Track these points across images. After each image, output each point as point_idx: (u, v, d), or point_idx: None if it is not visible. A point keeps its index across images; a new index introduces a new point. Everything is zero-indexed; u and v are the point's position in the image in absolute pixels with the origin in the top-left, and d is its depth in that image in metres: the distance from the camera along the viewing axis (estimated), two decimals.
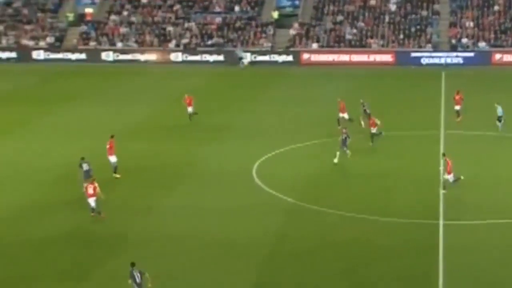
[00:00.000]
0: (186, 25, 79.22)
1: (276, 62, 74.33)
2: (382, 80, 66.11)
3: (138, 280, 27.35)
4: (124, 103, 57.70)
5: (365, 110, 48.99)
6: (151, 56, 75.88)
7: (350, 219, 34.50)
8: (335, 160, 41.68)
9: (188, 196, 37.58)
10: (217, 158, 43.28)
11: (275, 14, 79.43)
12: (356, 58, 73.82)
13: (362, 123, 48.33)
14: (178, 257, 30.80)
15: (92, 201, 34.76)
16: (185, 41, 77.43)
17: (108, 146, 40.39)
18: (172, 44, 77.30)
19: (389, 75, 68.27)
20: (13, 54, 77.22)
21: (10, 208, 36.17)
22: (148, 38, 77.88)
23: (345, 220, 34.40)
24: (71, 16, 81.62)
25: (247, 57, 74.57)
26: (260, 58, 74.70)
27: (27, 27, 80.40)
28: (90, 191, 34.77)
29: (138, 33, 78.76)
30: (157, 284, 27.19)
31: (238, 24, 78.65)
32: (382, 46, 74.90)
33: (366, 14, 77.94)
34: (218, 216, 35.02)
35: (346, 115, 49.08)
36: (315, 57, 74.33)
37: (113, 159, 40.30)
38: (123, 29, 79.30)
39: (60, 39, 79.40)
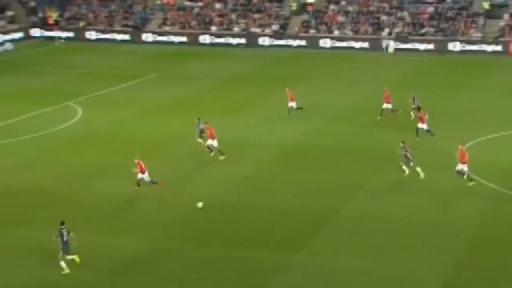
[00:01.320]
0: (399, 14, 78.55)
1: (484, 51, 72.17)
2: None
3: (65, 238, 27.86)
4: (342, 87, 58.52)
5: (415, 102, 46.72)
6: (365, 44, 75.92)
7: None
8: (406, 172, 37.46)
9: (396, 178, 37.61)
10: (427, 142, 42.89)
11: (486, 4, 76.91)
12: None
13: (412, 115, 46.35)
14: (388, 235, 31.07)
15: None
16: (397, 30, 76.82)
17: (209, 131, 40.53)
18: (384, 33, 76.95)
19: None
20: (242, 40, 79.85)
21: (235, 180, 37.85)
22: (362, 27, 77.98)
23: None
24: (294, 6, 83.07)
25: (392, 44, 73.46)
26: (469, 47, 72.78)
27: (256, 15, 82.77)
28: None
29: (354, 22, 79.04)
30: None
31: (449, 14, 76.99)
32: None
33: None
34: (424, 197, 34.92)
35: (390, 106, 47.28)
36: None
37: (214, 142, 40.25)
38: (340, 18, 79.85)
39: (284, 27, 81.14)
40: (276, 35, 79.78)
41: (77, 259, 28.28)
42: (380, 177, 37.55)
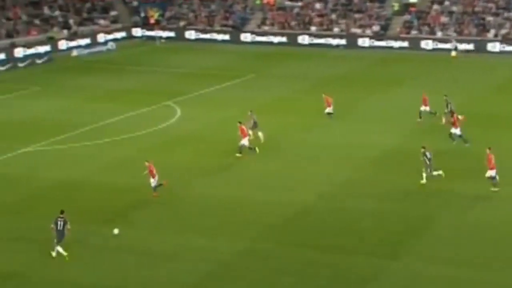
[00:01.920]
0: (506, 15, 76.51)
1: None
2: None
3: (59, 227, 29.04)
4: (444, 89, 57.34)
5: (448, 106, 45.44)
6: (469, 46, 74.23)
7: None
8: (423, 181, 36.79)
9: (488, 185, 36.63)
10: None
11: None
12: None
13: (443, 119, 44.98)
14: (487, 245, 30.33)
15: None
16: (504, 31, 74.84)
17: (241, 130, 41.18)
18: (490, 34, 75.09)
19: None
20: (342, 41, 79.39)
21: (333, 184, 37.65)
22: (466, 28, 76.29)
23: None
24: (396, 6, 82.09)
25: (458, 47, 71.96)
26: None
27: (357, 15, 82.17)
28: None
29: (457, 23, 77.45)
30: None
31: None
32: None
33: None
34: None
35: (428, 108, 46.47)
36: None
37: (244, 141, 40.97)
38: (443, 19, 78.39)
39: (384, 28, 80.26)
40: (376, 36, 79.00)
41: (66, 256, 29.15)
42: (476, 183, 36.60)
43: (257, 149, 41.96)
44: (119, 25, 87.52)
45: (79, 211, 34.00)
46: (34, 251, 30.27)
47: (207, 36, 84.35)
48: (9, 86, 61.95)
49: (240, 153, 41.47)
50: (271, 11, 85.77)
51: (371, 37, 78.62)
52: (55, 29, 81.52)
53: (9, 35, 76.94)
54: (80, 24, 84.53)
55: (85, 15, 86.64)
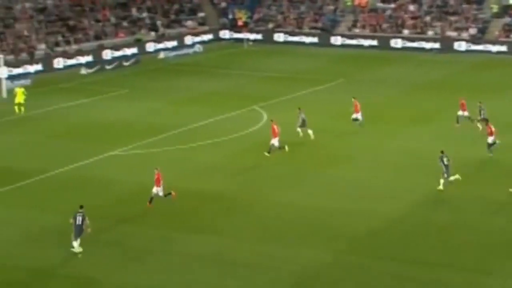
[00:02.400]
0: None
1: None
2: None
3: (78, 222, 30.12)
4: None
5: (481, 114, 44.96)
6: None
7: None
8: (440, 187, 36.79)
9: None
10: None
11: None
12: None
13: (479, 126, 44.42)
14: None
15: None
16: None
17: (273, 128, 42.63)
18: None
19: None
20: (436, 45, 78.30)
21: (421, 194, 37.10)
22: None
23: None
24: (495, 8, 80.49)
25: None
26: None
27: (452, 18, 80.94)
28: None
29: None
30: None
31: None
32: None
33: None
34: None
35: (466, 113, 46.39)
36: None
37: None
38: None
39: (482, 31, 78.79)
40: (473, 39, 77.62)
41: (79, 253, 30.26)
42: None
43: (286, 147, 43.12)
44: (206, 27, 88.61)
45: (164, 218, 34.57)
46: (117, 255, 30.89)
47: (296, 38, 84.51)
48: (96, 88, 63.44)
49: (269, 152, 42.71)
50: (362, 13, 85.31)
51: (467, 41, 77.31)
52: (143, 31, 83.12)
53: (97, 37, 78.84)
54: (167, 26, 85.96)
55: (172, 17, 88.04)
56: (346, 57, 76.35)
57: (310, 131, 45.96)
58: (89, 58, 74.05)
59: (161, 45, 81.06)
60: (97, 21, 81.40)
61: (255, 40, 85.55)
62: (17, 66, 68.71)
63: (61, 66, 72.08)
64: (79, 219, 30.52)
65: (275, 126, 43.15)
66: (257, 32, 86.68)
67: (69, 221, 30.94)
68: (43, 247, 31.76)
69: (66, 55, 73.59)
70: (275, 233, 32.93)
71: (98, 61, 73.89)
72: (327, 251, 31.02)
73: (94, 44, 77.60)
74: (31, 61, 70.62)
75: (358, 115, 48.32)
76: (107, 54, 75.71)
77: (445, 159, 36.63)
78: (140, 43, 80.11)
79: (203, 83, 65.17)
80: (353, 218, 34.34)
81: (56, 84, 65.08)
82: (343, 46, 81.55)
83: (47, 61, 71.62)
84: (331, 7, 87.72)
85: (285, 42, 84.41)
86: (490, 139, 41.41)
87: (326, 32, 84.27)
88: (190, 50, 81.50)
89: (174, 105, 56.59)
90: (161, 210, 35.40)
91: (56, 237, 32.38)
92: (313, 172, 40.62)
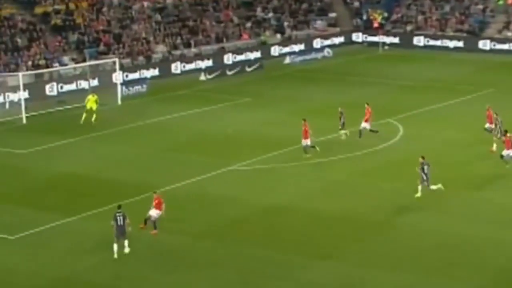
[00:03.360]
0: None
1: None
2: None
3: (119, 223, 32.31)
4: None
5: (497, 125, 44.35)
6: None
7: None
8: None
9: None
10: None
11: None
12: None
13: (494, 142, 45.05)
14: None
15: None
16: None
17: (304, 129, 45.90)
18: None
19: None
20: None
21: None
22: None
23: None
24: None
25: None
26: None
27: None
28: None
29: None
30: None
31: None
32: None
33: None
34: None
35: (492, 125, 45.70)
36: None
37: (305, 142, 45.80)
38: None
39: None
40: None
41: (126, 250, 32.80)
42: None
43: (317, 148, 46.62)
44: (337, 29, 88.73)
45: (283, 241, 34.78)
46: (234, 279, 31.33)
47: (438, 42, 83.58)
48: (215, 96, 64.52)
49: (307, 152, 46.25)
50: None
51: None
52: (267, 33, 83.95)
53: (218, 40, 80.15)
54: (294, 27, 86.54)
55: (300, 17, 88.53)
56: (496, 63, 74.84)
57: (344, 132, 49.70)
58: (209, 63, 75.47)
59: (287, 49, 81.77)
60: (219, 22, 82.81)
61: (391, 44, 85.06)
62: (133, 71, 70.79)
63: (178, 71, 73.79)
64: (120, 220, 32.57)
65: (307, 128, 46.29)
66: (394, 35, 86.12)
67: (110, 224, 32.99)
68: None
69: (185, 59, 75.28)
70: (411, 262, 32.58)
71: (219, 65, 75.15)
72: (469, 285, 30.46)
73: (214, 47, 78.97)
74: (147, 66, 72.56)
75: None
76: (228, 58, 76.97)
77: (425, 167, 38.39)
78: (264, 47, 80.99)
79: (332, 92, 65.22)
80: (502, 248, 33.59)
81: (173, 91, 66.63)
82: (492, 51, 79.98)
83: (164, 66, 73.46)
84: (480, 7, 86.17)
85: (426, 47, 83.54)
86: (508, 152, 42.48)
87: (473, 35, 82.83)
88: (319, 55, 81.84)
89: (301, 116, 56.76)
90: (280, 233, 35.63)
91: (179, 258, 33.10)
92: (455, 194, 40.00)
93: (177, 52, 76.27)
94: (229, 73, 73.90)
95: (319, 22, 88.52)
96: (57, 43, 71.23)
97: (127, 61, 72.08)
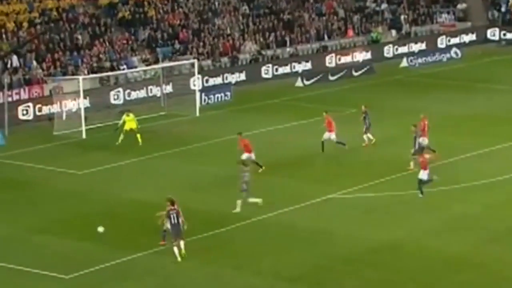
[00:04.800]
0: None
1: None
2: None
3: (174, 221, 34.58)
4: None
5: None
6: None
7: None
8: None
9: None
10: None
11: None
12: None
13: None
14: None
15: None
16: None
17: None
18: None
19: None
20: None
21: None
22: None
23: None
24: None
25: None
26: None
27: None
28: None
29: None
30: None
31: None
32: None
33: None
34: None
35: None
36: None
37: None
38: None
39: None
40: None
41: (183, 251, 34.85)
42: None
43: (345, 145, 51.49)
44: (468, 24, 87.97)
45: (397, 285, 34.66)
46: None
47: None
48: (314, 106, 64.23)
49: (344, 144, 51.43)
50: None
51: None
52: (380, 28, 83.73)
53: (319, 37, 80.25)
54: (414, 22, 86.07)
55: (422, 9, 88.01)
56: None
57: (368, 136, 53.26)
58: (307, 66, 75.69)
59: (404, 49, 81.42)
60: (320, 15, 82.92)
61: None
62: (215, 75, 71.36)
63: (270, 75, 74.16)
64: (174, 217, 34.42)
65: (330, 119, 51.10)
66: None
67: (163, 224, 35.41)
68: None
69: (278, 61, 75.60)
70: None
71: (319, 69, 75.19)
72: None
73: (314, 46, 79.15)
74: (232, 69, 73.06)
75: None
76: (331, 60, 77.06)
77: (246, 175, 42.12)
78: (376, 46, 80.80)
79: (459, 103, 64.76)
80: None
81: (262, 100, 66.96)
82: None
83: (253, 69, 73.95)
84: None
85: None
86: None
87: None
88: (443, 57, 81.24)
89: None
90: (395, 275, 35.52)
91: None
92: None
93: (269, 52, 76.68)
94: (331, 78, 74.03)
95: (445, 15, 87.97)
96: (125, 40, 72.36)
97: (207, 62, 72.85)
